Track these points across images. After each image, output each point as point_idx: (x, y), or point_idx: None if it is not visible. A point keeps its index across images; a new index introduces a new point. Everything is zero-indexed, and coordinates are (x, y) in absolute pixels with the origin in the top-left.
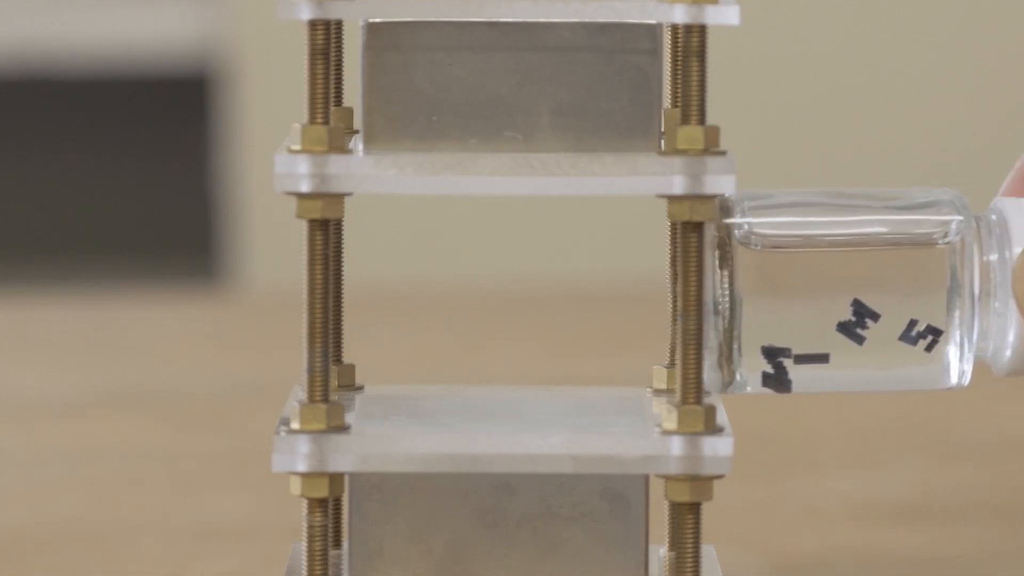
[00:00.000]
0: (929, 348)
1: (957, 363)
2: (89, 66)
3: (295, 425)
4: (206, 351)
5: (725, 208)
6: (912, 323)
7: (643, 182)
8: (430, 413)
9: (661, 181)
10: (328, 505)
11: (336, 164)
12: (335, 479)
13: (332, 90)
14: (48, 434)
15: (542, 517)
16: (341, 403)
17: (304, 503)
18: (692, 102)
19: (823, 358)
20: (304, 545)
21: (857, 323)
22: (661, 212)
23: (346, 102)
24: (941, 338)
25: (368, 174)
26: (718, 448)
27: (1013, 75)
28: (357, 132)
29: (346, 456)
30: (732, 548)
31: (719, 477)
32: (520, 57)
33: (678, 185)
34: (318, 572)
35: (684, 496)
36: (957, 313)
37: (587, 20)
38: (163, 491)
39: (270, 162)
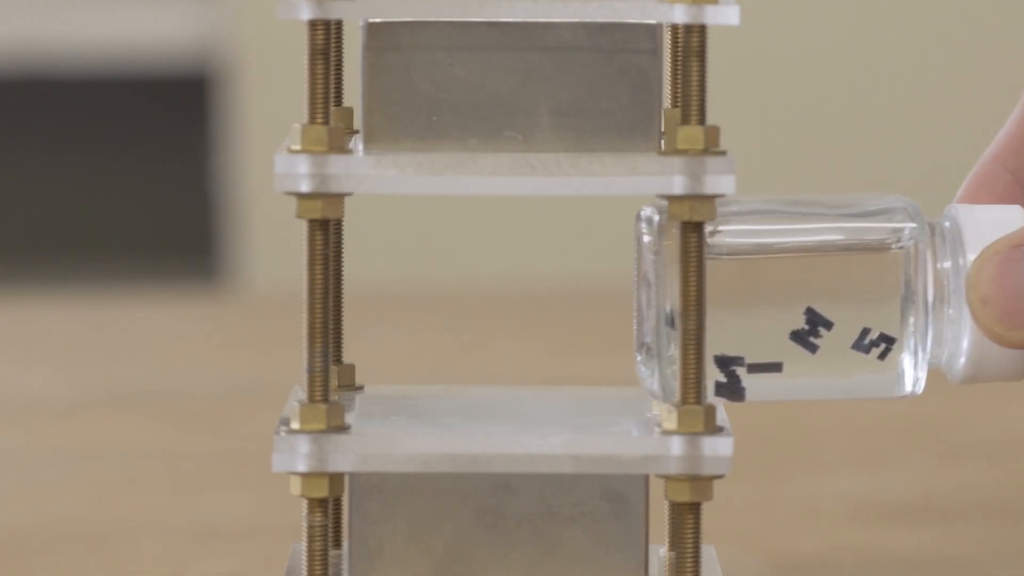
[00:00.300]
0: (882, 356)
1: (912, 371)
2: (89, 66)
3: (295, 425)
4: (206, 351)
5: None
6: (865, 331)
7: (643, 182)
8: (430, 413)
9: (661, 181)
10: (328, 505)
11: (336, 164)
12: (335, 479)
13: (332, 90)
14: (48, 434)
15: (542, 517)
16: (341, 403)
17: (304, 503)
18: (692, 102)
19: (776, 367)
20: (304, 545)
21: (810, 331)
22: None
23: (346, 102)
24: (895, 346)
25: (368, 174)
26: (718, 448)
27: (1013, 75)
28: (357, 132)
29: (346, 456)
30: (732, 548)
31: (719, 477)
32: (520, 57)
33: (678, 185)
34: (318, 572)
35: (684, 496)
36: (911, 320)
37: (587, 20)
38: (163, 491)
39: (270, 162)
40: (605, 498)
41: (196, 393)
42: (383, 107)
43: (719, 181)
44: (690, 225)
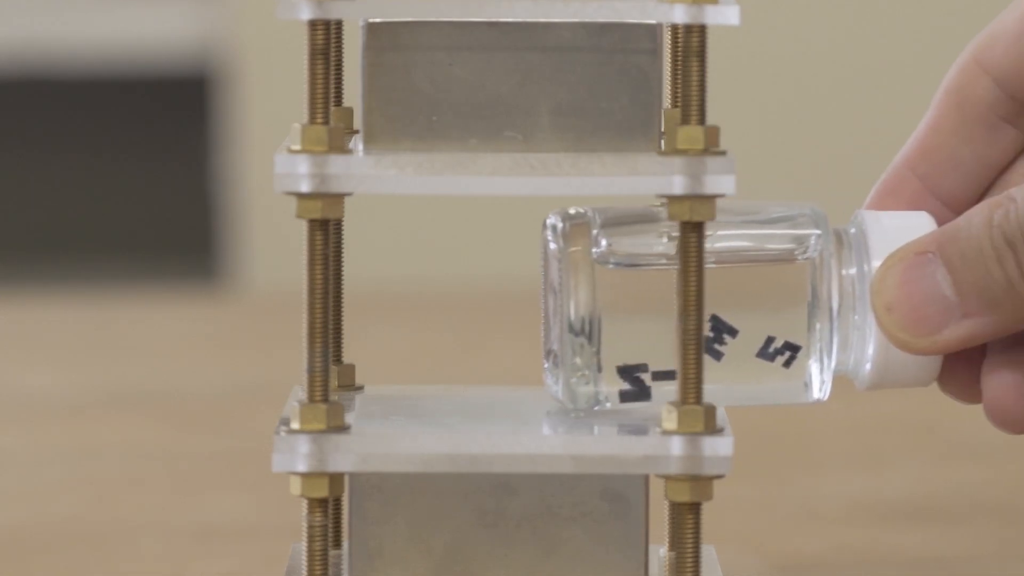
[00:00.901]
0: (787, 364)
1: (818, 377)
2: (89, 66)
3: (295, 425)
4: (206, 351)
5: (582, 226)
6: (769, 339)
7: (643, 182)
8: (430, 413)
9: (661, 181)
10: (328, 505)
11: (336, 164)
12: (335, 479)
13: (332, 90)
14: (48, 434)
15: (542, 517)
16: (341, 403)
17: (304, 503)
18: (692, 102)
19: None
20: (304, 545)
21: (715, 339)
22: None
23: (346, 102)
24: (800, 353)
25: (368, 174)
26: (718, 448)
27: None
28: (357, 132)
29: (346, 456)
30: (732, 548)
31: (719, 477)
32: (520, 57)
33: (678, 185)
34: (318, 572)
35: (684, 496)
36: (817, 327)
37: (587, 20)
38: (163, 491)
39: (270, 162)
40: (605, 498)
41: (196, 393)
42: (383, 107)
43: (719, 181)
44: (690, 225)
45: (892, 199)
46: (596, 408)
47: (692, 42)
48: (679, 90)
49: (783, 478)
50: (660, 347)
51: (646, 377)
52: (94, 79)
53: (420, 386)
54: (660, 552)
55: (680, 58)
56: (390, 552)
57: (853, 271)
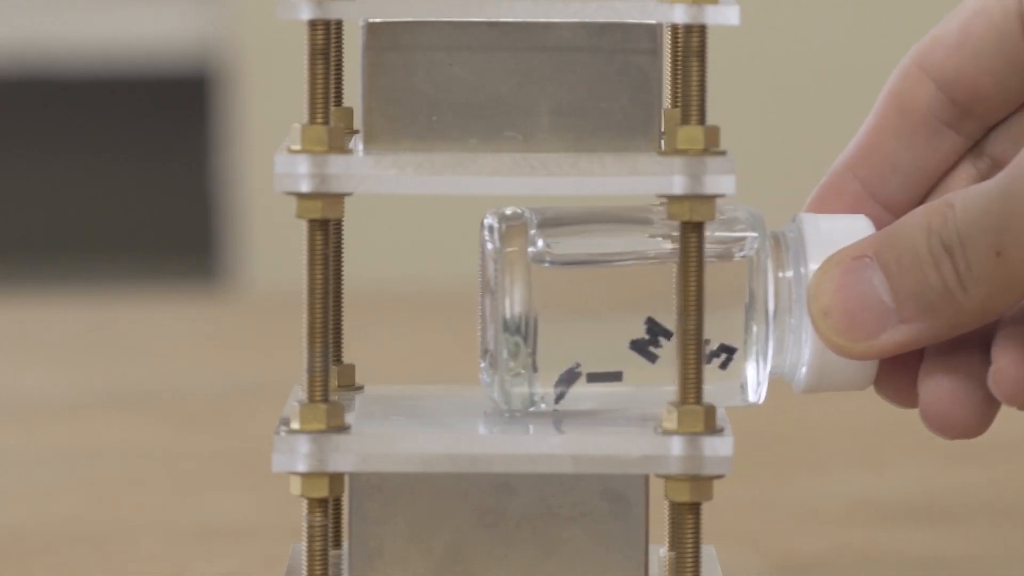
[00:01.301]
0: (724, 366)
1: (754, 380)
2: (89, 66)
3: (295, 425)
4: (206, 351)
5: (518, 226)
6: (705, 342)
7: (643, 182)
8: (430, 413)
9: (661, 181)
10: (328, 505)
11: (336, 164)
12: (335, 479)
13: (332, 90)
14: (48, 434)
15: (542, 517)
16: (341, 403)
17: (304, 503)
18: (692, 102)
19: (616, 376)
20: (304, 545)
21: (650, 341)
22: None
23: (346, 102)
24: (736, 355)
25: (368, 174)
26: (718, 448)
27: None
28: (357, 132)
29: (346, 456)
30: (732, 548)
31: (719, 477)
32: (520, 57)
33: (678, 185)
34: (318, 572)
35: (684, 496)
36: (754, 329)
37: (587, 20)
38: (163, 491)
39: (270, 162)
40: (605, 498)
41: (196, 393)
42: (383, 107)
43: (719, 181)
44: (690, 225)
45: (832, 201)
46: (532, 409)
47: (692, 42)
48: (679, 90)
49: (783, 478)
50: (597, 348)
51: (581, 381)
52: (94, 79)
53: (420, 386)
54: (660, 552)
55: (680, 58)
56: (390, 552)
57: (790, 273)
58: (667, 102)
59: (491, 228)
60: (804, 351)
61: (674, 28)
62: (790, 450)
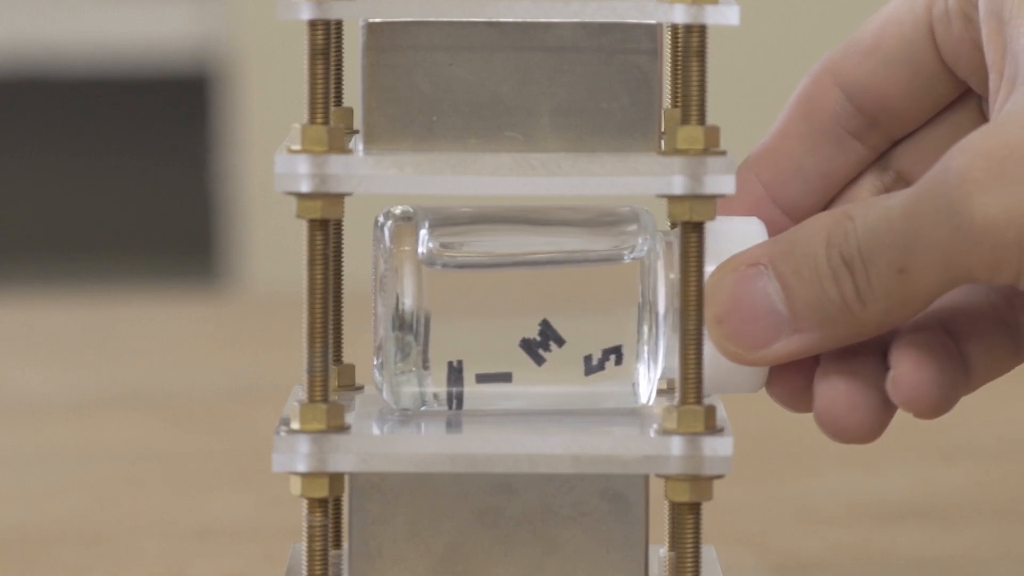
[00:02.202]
0: (617, 364)
1: (646, 381)
2: (89, 66)
3: (295, 425)
4: (206, 351)
5: (409, 225)
6: (597, 344)
7: (643, 182)
8: (430, 413)
9: (661, 181)
10: (328, 505)
11: (336, 164)
12: (335, 479)
13: (332, 90)
14: (48, 434)
15: (542, 517)
16: (341, 403)
17: (304, 503)
18: (692, 102)
19: (506, 377)
20: (304, 545)
21: (541, 343)
22: (660, 212)
23: (346, 102)
24: (627, 357)
25: (368, 174)
26: (718, 448)
27: None
28: (357, 132)
29: (346, 456)
30: (732, 548)
31: (719, 477)
32: (520, 57)
33: (678, 185)
34: (318, 572)
35: (684, 496)
36: (645, 332)
37: (587, 20)
38: (163, 491)
39: (270, 162)
40: (605, 498)
41: (196, 393)
42: (383, 107)
43: (719, 181)
44: (690, 225)
45: (733, 202)
46: (423, 408)
47: (692, 42)
48: (679, 90)
49: (783, 478)
50: (488, 349)
51: (471, 381)
52: (94, 79)
53: None
54: (660, 552)
55: (680, 58)
56: (390, 552)
57: (680, 274)
58: (667, 102)
59: (382, 227)
60: None
61: (674, 28)
62: (790, 450)
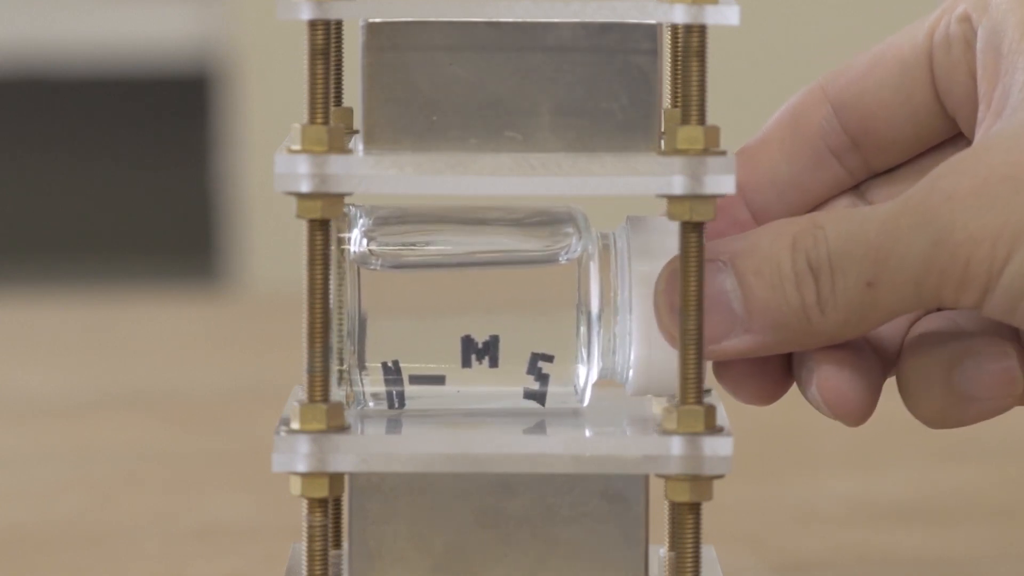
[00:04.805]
0: (555, 365)
1: (583, 382)
2: (89, 66)
3: (295, 425)
4: (206, 351)
5: (344, 225)
6: (534, 346)
7: (643, 182)
8: (430, 414)
9: (661, 181)
10: (328, 505)
11: (336, 164)
12: (335, 479)
13: (332, 90)
14: (48, 434)
15: (542, 517)
16: (341, 403)
17: (304, 503)
18: (692, 102)
19: (439, 379)
20: (304, 545)
21: (477, 345)
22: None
23: (346, 102)
24: (566, 359)
25: (368, 174)
26: (718, 448)
27: None
28: (357, 132)
29: (346, 456)
30: (732, 548)
31: (719, 477)
32: (520, 57)
33: (678, 185)
34: (318, 572)
35: (684, 496)
36: (583, 332)
37: (587, 20)
38: (163, 491)
39: (270, 162)
40: (605, 498)
41: (196, 393)
42: (383, 107)
43: (719, 181)
44: (690, 225)
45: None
46: (359, 408)
47: (692, 42)
48: (679, 90)
49: (783, 478)
50: (422, 349)
51: (405, 382)
52: (94, 79)
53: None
54: (660, 552)
55: (680, 58)
56: (390, 552)
57: (617, 275)
58: (667, 102)
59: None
60: (630, 353)
61: (674, 28)
62: (789, 450)
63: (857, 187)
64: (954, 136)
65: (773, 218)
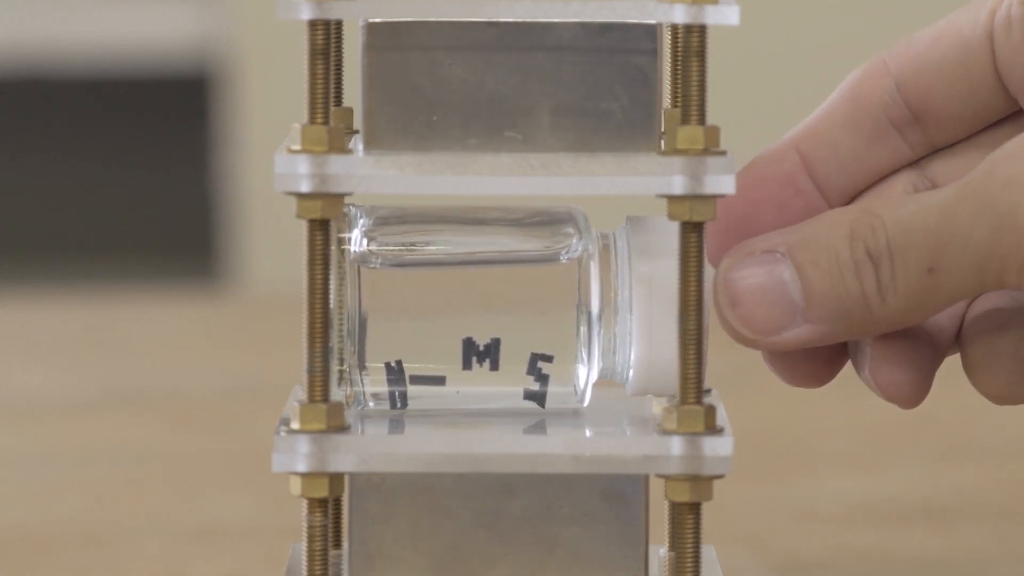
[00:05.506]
0: (555, 365)
1: (584, 382)
2: (89, 66)
3: (295, 425)
4: (206, 351)
5: (345, 225)
6: (535, 346)
7: (643, 182)
8: (431, 414)
9: (661, 181)
10: (328, 505)
11: (336, 164)
12: (335, 479)
13: (332, 90)
14: (48, 434)
15: (542, 517)
16: (341, 403)
17: (304, 503)
18: (692, 102)
19: (439, 380)
20: (304, 545)
21: (478, 347)
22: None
23: (346, 102)
24: (566, 359)
25: (368, 174)
26: (718, 448)
27: None
28: (357, 132)
29: (346, 456)
30: (732, 548)
31: (719, 477)
32: (520, 57)
33: (678, 185)
34: (318, 572)
35: (684, 496)
36: (583, 332)
37: (587, 20)
38: (163, 491)
39: (270, 162)
40: (605, 498)
41: (196, 393)
42: (383, 107)
43: (719, 181)
44: (690, 225)
45: (770, 167)
46: (359, 408)
47: (692, 42)
48: (679, 90)
49: (783, 478)
50: (423, 349)
51: (407, 382)
52: (94, 79)
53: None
54: (660, 552)
55: (680, 58)
56: (390, 552)
57: (617, 275)
58: (667, 102)
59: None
60: (631, 354)
61: (674, 28)
62: (790, 450)
63: (917, 162)
64: (1014, 113)
65: (837, 190)
